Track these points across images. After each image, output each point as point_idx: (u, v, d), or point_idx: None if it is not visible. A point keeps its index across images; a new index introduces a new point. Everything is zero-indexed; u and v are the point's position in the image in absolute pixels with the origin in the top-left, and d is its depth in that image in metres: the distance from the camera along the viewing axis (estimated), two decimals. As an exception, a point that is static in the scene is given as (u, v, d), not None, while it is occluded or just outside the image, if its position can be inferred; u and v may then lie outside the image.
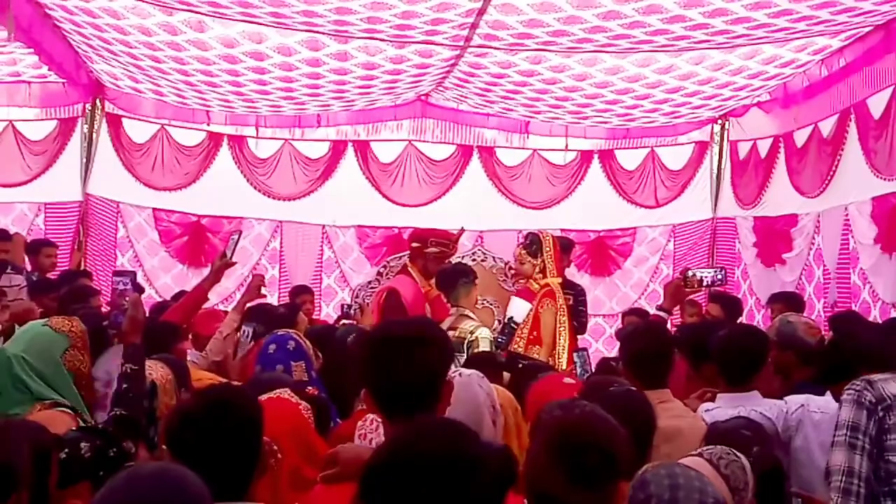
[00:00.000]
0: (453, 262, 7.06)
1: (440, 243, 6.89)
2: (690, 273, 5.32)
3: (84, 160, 8.59)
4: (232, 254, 5.27)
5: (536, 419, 2.41)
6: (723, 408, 3.81)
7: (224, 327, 4.86)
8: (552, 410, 2.42)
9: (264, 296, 5.66)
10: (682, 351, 4.52)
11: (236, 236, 5.50)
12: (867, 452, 2.88)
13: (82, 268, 8.29)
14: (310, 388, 3.61)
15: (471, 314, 6.10)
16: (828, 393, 3.78)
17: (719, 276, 5.33)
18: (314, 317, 7.91)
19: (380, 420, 2.95)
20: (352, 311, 7.23)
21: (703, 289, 5.59)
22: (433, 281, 6.73)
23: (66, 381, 3.29)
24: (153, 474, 1.79)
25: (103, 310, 5.64)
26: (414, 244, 7.02)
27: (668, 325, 5.50)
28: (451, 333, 5.70)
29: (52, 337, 3.35)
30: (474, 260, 8.49)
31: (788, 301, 6.56)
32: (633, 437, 2.42)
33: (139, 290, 6.77)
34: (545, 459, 2.19)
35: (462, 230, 7.20)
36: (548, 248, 6.44)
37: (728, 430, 3.20)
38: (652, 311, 6.18)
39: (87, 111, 8.56)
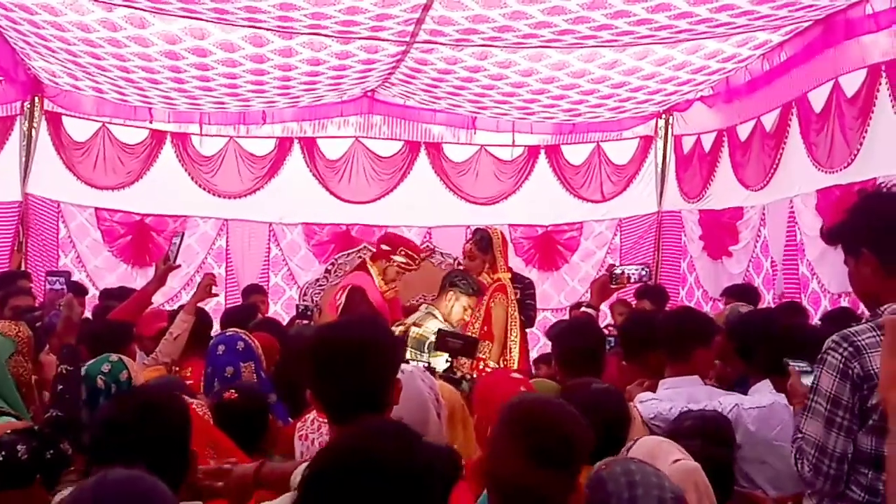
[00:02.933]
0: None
1: (409, 255, 6.87)
2: (618, 270, 5.45)
3: (23, 159, 8.38)
4: (175, 257, 5.19)
5: (497, 412, 2.41)
6: (659, 400, 3.86)
7: (174, 328, 4.78)
8: (512, 400, 2.44)
9: (215, 294, 5.58)
10: (622, 343, 4.61)
11: (178, 239, 5.41)
12: (845, 429, 2.67)
13: (22, 269, 8.12)
14: (232, 391, 3.56)
15: (439, 316, 6.00)
16: (758, 386, 3.85)
17: (644, 273, 5.48)
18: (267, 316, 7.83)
19: (321, 420, 2.95)
20: (308, 312, 7.16)
21: (630, 285, 5.69)
22: (392, 284, 6.75)
23: (9, 385, 3.23)
24: (120, 481, 1.76)
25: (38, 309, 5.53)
26: (384, 246, 6.98)
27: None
28: (414, 330, 5.66)
29: None
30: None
31: (743, 294, 6.64)
32: (607, 432, 2.48)
33: (81, 291, 6.65)
34: (507, 447, 2.21)
35: (431, 249, 7.17)
36: (497, 244, 6.45)
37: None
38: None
39: (25, 109, 8.34)
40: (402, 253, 6.88)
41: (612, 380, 4.12)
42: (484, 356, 5.87)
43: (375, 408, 2.39)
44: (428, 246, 7.28)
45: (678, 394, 3.83)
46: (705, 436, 2.90)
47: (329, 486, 1.78)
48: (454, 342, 5.20)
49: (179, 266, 5.48)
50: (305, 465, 2.39)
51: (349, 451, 1.82)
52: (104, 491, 1.74)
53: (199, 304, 5.18)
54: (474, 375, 5.82)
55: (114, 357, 3.46)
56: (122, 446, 2.25)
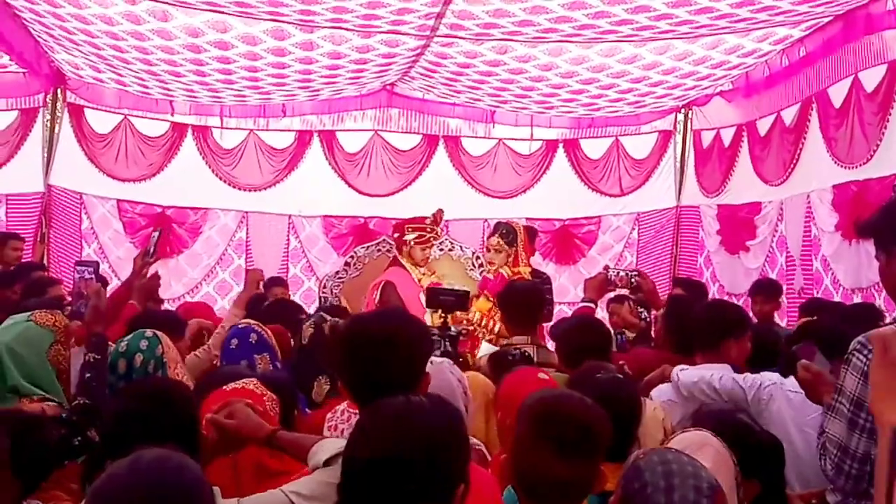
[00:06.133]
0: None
1: (416, 228, 7.04)
2: (613, 272, 5.53)
3: (46, 151, 8.49)
4: (154, 251, 5.18)
5: (518, 410, 2.46)
6: (693, 369, 3.92)
7: (226, 322, 4.81)
8: (532, 396, 2.48)
9: (262, 291, 5.64)
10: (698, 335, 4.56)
11: (156, 234, 5.45)
12: (867, 431, 2.67)
13: (45, 260, 8.21)
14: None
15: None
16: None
17: (635, 277, 5.55)
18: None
19: (351, 411, 3.00)
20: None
21: (623, 286, 5.73)
22: (424, 269, 6.83)
23: (50, 376, 3.29)
24: (155, 459, 1.82)
25: (67, 299, 5.58)
26: (395, 235, 7.16)
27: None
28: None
29: (38, 332, 3.36)
30: (441, 250, 8.52)
31: (768, 290, 6.69)
32: (619, 422, 2.51)
33: (102, 282, 6.71)
34: (529, 439, 2.26)
35: (440, 211, 7.28)
36: (520, 238, 6.53)
37: (721, 411, 3.26)
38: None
39: (48, 101, 8.45)
40: (410, 230, 7.03)
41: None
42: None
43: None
44: (441, 210, 7.35)
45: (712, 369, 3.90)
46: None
47: (356, 471, 1.92)
48: (446, 298, 5.22)
49: (158, 259, 5.46)
50: (325, 441, 2.46)
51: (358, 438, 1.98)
52: (139, 468, 1.79)
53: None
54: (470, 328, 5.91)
55: (148, 332, 3.48)
56: (133, 437, 2.25)
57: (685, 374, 3.92)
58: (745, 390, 3.77)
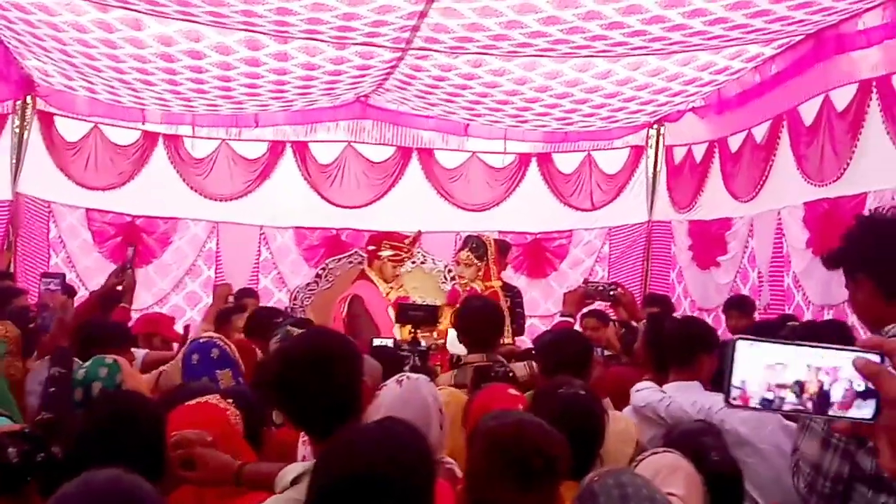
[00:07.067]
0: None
1: (394, 246, 7.01)
2: (593, 286, 5.55)
3: (14, 158, 8.35)
4: (130, 266, 5.11)
5: (473, 429, 2.43)
6: (655, 389, 3.92)
7: (193, 336, 4.75)
8: (487, 421, 2.45)
9: (231, 305, 5.58)
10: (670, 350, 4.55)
11: (131, 250, 5.41)
12: (841, 451, 2.65)
13: (11, 269, 8.09)
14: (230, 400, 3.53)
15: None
16: None
17: (613, 290, 5.55)
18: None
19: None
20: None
21: (605, 298, 5.71)
22: (393, 284, 6.82)
23: (1, 386, 3.22)
24: (106, 481, 1.78)
25: (33, 311, 5.50)
26: (370, 248, 7.14)
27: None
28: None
29: None
30: (414, 262, 8.51)
31: (742, 305, 6.72)
32: (582, 439, 2.48)
33: (70, 292, 6.63)
34: (487, 467, 2.23)
35: (419, 233, 7.29)
36: (491, 252, 6.54)
37: (686, 432, 3.24)
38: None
39: (17, 108, 8.33)
40: (387, 246, 7.04)
41: (600, 389, 4.13)
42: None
43: (347, 417, 2.41)
44: (420, 231, 7.37)
45: (665, 391, 3.90)
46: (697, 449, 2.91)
47: (325, 488, 1.90)
48: (416, 314, 5.22)
49: (129, 269, 5.35)
50: (289, 466, 2.43)
51: (336, 465, 1.93)
52: (90, 489, 1.76)
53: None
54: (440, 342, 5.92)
55: (108, 359, 3.42)
56: (96, 456, 2.20)
57: (638, 395, 3.92)
58: (690, 416, 3.76)
